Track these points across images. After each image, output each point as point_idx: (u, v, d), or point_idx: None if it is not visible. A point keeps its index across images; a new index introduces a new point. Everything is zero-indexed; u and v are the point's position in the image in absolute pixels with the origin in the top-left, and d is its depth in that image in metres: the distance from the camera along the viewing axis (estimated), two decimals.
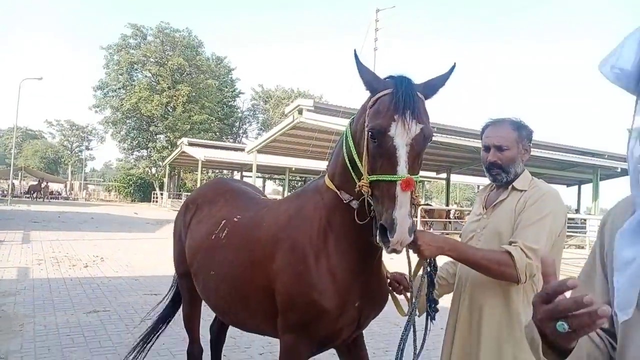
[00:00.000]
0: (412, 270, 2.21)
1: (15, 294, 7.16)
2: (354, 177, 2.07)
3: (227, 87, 58.94)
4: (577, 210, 31.43)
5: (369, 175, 1.93)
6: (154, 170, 50.90)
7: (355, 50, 2.03)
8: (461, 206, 35.22)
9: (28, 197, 43.71)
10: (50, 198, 44.66)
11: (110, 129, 51.87)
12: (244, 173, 39.57)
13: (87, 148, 77.03)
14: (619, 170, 22.77)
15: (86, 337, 5.32)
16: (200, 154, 33.12)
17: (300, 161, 29.79)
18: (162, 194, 46.00)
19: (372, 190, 1.92)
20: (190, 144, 35.92)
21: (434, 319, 2.21)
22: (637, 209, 1.04)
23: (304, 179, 48.76)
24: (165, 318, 3.97)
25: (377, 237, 1.85)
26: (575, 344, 0.96)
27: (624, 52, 1.03)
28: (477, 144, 21.01)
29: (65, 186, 58.92)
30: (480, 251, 2.04)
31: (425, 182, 46.51)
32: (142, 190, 51.88)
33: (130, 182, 52.09)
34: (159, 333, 3.98)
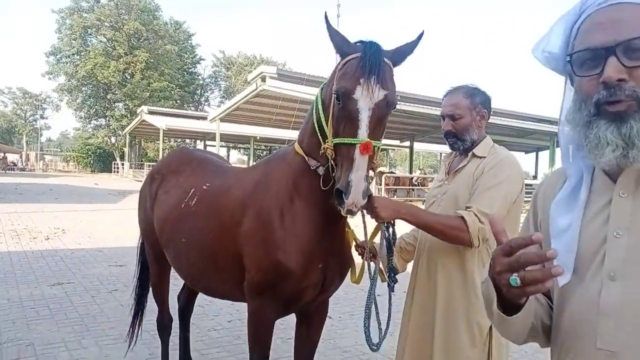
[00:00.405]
0: (370, 235, 2.27)
1: None
2: (322, 142, 2.09)
3: (187, 54, 57.33)
4: (535, 177, 32.51)
5: (334, 138, 1.96)
6: (113, 139, 49.58)
7: (325, 13, 2.03)
8: (424, 173, 35.79)
9: None
10: (7, 169, 42.98)
11: (66, 97, 49.97)
12: (208, 142, 38.96)
13: (42, 117, 74.13)
14: None
15: (51, 310, 5.29)
16: (161, 122, 32.37)
17: (265, 130, 29.49)
18: (123, 164, 44.93)
19: (335, 153, 1.96)
20: (151, 113, 35.01)
21: (393, 290, 2.28)
22: (568, 180, 1.14)
23: (269, 148, 48.41)
24: (142, 295, 3.96)
25: (334, 200, 1.90)
26: (525, 300, 1.05)
27: (552, 37, 1.12)
28: (439, 112, 21.25)
29: (21, 157, 56.84)
30: (436, 216, 2.13)
31: (390, 150, 46.98)
32: (102, 161, 50.53)
33: (90, 152, 50.59)
34: (144, 310, 3.97)
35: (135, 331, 3.92)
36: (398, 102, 2.01)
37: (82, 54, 47.03)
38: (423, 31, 2.07)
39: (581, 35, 1.07)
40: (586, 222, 1.09)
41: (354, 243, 2.39)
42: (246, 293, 2.43)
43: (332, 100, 1.98)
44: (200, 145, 39.92)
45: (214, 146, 30.45)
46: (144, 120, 34.93)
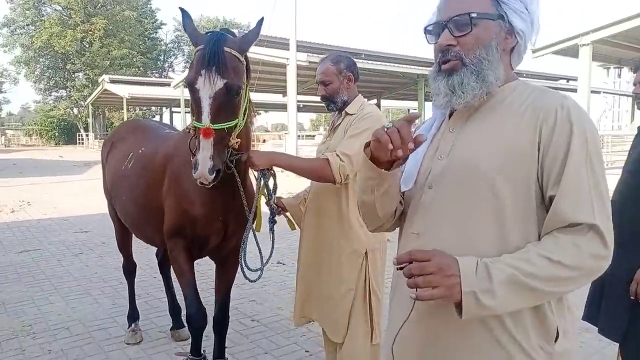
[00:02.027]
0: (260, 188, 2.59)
1: None
2: None
3: (147, 19, 55.51)
4: None
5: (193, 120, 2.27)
6: (76, 110, 48.38)
7: (180, 8, 2.30)
8: None
9: None
10: None
11: (23, 69, 48.15)
12: (173, 109, 38.47)
13: (0, 91, 71.46)
14: None
15: (19, 274, 5.58)
16: (124, 91, 31.80)
17: None
18: (87, 135, 44.09)
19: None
20: (112, 81, 34.31)
21: (273, 229, 2.68)
22: (431, 118, 1.50)
23: None
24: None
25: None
26: (391, 167, 1.30)
27: (431, 16, 1.43)
28: (405, 69, 21.65)
29: None
30: (305, 160, 2.53)
31: None
32: (66, 133, 49.35)
33: (53, 125, 49.32)
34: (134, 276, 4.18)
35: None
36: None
37: (37, 24, 45.16)
38: (263, 17, 2.35)
39: (434, 14, 1.40)
40: (430, 148, 1.42)
41: (264, 200, 2.69)
42: (165, 236, 2.84)
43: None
44: (166, 112, 39.29)
45: (180, 112, 30.20)
46: (106, 90, 34.23)
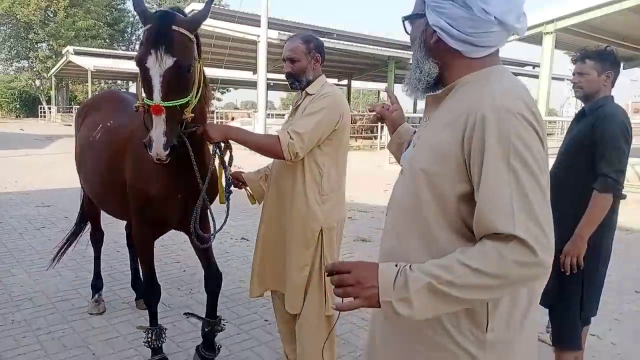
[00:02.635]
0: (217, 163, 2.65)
1: None
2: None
3: None
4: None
5: (142, 98, 2.30)
6: (38, 82, 46.79)
7: None
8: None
9: None
10: None
11: None
12: None
13: None
14: None
15: None
16: (89, 63, 30.94)
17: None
18: (50, 109, 42.80)
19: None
20: (77, 53, 33.25)
21: (229, 199, 2.73)
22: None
23: None
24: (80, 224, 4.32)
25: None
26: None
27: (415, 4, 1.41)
28: (376, 51, 21.63)
29: None
30: (258, 135, 2.62)
31: None
32: (28, 106, 47.76)
33: (14, 97, 47.65)
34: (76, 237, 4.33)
35: (61, 252, 4.30)
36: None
37: None
38: None
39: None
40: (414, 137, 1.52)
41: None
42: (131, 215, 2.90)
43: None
44: (133, 86, 38.40)
45: None
46: (70, 62, 33.19)
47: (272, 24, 18.56)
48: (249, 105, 60.94)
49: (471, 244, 1.19)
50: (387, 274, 1.17)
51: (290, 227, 2.61)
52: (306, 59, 2.57)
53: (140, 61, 2.19)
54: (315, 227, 2.55)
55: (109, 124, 3.21)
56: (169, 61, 2.16)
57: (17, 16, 41.96)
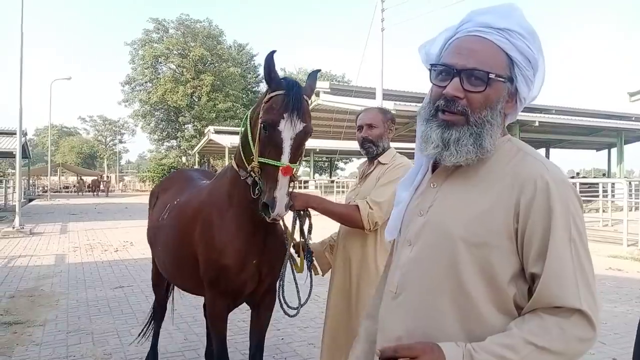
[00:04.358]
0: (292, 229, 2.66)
1: (52, 276, 8.10)
2: (246, 157, 2.50)
3: (250, 74, 59.59)
4: (607, 175, 30.94)
5: (259, 157, 2.33)
6: (184, 159, 52.34)
7: (272, 52, 2.41)
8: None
9: (90, 193, 44.03)
10: (99, 192, 44.39)
11: (140, 122, 53.59)
12: None
13: (121, 141, 79.64)
14: None
15: (111, 307, 6.16)
16: (226, 141, 33.89)
17: (323, 142, 30.23)
18: None
19: (261, 170, 2.33)
20: (217, 132, 36.74)
21: (310, 268, 2.72)
22: (415, 165, 1.46)
23: (330, 159, 49.17)
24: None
25: (261, 211, 2.28)
26: None
27: (435, 44, 1.35)
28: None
29: (101, 179, 60.97)
30: (339, 205, 2.63)
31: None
32: None
33: (164, 172, 53.47)
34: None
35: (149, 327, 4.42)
36: (313, 131, 2.39)
37: (153, 81, 50.41)
38: (319, 69, 2.56)
39: (446, 51, 1.29)
40: (412, 200, 1.40)
41: (292, 242, 2.72)
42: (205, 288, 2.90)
43: (259, 126, 2.34)
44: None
45: None
46: (211, 140, 36.74)
47: (387, 95, 19.08)
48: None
49: (512, 317, 1.16)
50: (454, 357, 1.12)
51: (359, 297, 2.56)
52: (384, 127, 2.68)
53: (273, 124, 2.28)
54: None
55: (175, 202, 3.30)
56: (299, 126, 2.30)
57: (168, 102, 48.16)
